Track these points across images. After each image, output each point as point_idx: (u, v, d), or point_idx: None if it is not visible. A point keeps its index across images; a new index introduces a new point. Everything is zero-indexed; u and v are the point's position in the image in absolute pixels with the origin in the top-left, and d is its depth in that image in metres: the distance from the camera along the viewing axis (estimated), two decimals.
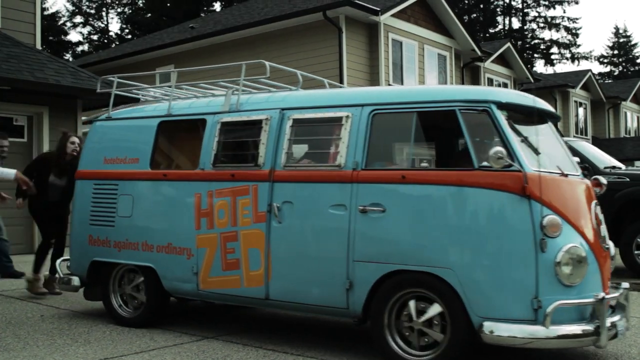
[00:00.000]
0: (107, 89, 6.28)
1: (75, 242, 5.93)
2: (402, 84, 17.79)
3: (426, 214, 4.22)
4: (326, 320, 5.94)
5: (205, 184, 5.19)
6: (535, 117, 4.51)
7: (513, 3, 46.03)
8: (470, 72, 21.95)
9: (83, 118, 12.92)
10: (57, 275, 6.35)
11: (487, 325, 3.93)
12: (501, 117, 4.20)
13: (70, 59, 36.14)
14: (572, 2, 47.21)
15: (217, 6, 40.57)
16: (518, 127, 4.30)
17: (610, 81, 51.35)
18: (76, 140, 7.04)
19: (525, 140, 4.25)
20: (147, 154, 5.58)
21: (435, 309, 4.19)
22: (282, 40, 17.19)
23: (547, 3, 45.98)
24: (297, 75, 5.49)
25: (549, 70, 48.88)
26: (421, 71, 18.86)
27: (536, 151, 4.22)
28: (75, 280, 5.85)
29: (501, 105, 4.26)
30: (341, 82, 16.12)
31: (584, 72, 32.46)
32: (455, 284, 4.06)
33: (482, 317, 3.98)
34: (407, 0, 17.88)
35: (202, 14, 35.54)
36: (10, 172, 5.94)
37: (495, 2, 45.87)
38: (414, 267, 4.23)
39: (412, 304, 4.25)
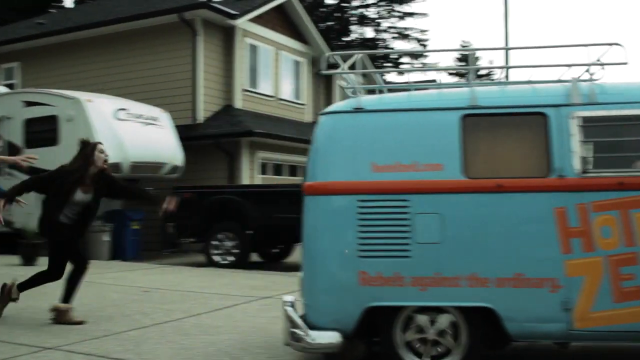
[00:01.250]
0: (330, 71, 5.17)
1: (330, 283, 4.33)
2: (257, 89, 18.06)
3: None
4: (181, 325, 5.95)
5: (572, 196, 4.14)
6: None
7: (367, 13, 47.72)
8: (324, 79, 22.57)
9: None
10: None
11: None
12: None
13: None
14: (421, 14, 49.96)
15: (69, 2, 38.83)
16: None
17: None
18: (104, 148, 6.20)
19: None
20: (454, 157, 4.26)
21: None
22: (136, 40, 16.84)
23: (399, 14, 48.07)
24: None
25: (400, 79, 51.07)
26: (277, 77, 19.18)
27: None
28: (333, 337, 4.23)
29: None
30: (195, 85, 16.14)
31: (431, 82, 34.32)
32: None
33: None
34: (264, 5, 18.10)
35: (53, 10, 33.88)
36: None
37: (350, 12, 47.35)
38: None
39: None
